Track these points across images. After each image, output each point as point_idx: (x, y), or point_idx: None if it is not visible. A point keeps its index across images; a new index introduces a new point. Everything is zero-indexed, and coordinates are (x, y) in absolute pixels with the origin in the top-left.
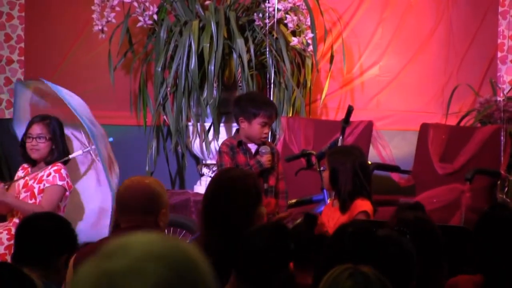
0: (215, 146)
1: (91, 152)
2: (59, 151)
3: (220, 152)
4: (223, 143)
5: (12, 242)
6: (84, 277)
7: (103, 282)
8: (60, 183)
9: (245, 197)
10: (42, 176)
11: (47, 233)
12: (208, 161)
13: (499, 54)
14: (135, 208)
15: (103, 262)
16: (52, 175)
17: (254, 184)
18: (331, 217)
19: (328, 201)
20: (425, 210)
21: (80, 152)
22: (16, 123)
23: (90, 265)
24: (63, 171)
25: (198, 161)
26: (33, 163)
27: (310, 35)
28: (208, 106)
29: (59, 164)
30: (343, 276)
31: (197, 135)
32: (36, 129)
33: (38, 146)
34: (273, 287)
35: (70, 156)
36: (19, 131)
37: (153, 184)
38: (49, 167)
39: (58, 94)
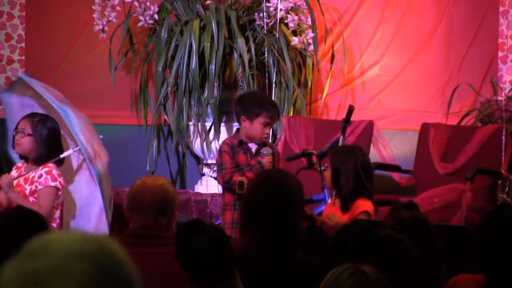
0: (216, 145)
1: (81, 150)
2: (45, 150)
3: (220, 151)
4: (223, 142)
5: None
6: (9, 277)
7: (28, 282)
8: (52, 184)
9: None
10: (34, 177)
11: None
12: (209, 161)
13: (500, 54)
14: (150, 208)
15: (27, 261)
16: (44, 177)
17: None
18: None
19: (329, 200)
20: (423, 209)
21: (70, 151)
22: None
23: (14, 264)
24: (54, 172)
25: (199, 160)
26: (25, 159)
27: (311, 34)
28: (209, 105)
29: (51, 164)
30: (344, 276)
31: (198, 135)
32: (21, 124)
33: (20, 141)
34: None
35: (61, 156)
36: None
37: (166, 185)
38: (40, 168)
39: (35, 88)
